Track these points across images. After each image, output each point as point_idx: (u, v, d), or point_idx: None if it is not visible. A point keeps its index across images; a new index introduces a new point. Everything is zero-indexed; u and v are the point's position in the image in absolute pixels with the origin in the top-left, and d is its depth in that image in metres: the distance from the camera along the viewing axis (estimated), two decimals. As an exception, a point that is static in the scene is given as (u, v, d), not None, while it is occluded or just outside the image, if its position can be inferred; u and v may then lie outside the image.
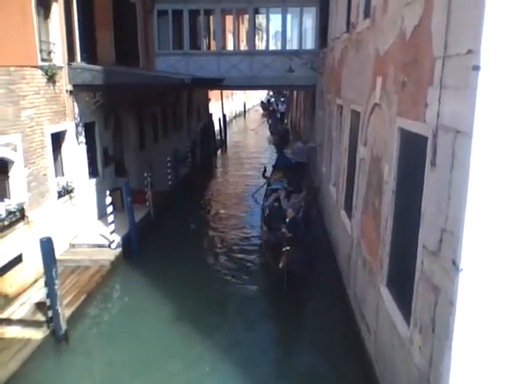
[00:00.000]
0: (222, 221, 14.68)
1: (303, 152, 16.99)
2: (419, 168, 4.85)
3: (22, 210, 8.97)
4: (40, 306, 8.30)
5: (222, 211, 15.76)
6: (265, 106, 50.99)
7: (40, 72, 9.76)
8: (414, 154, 5.24)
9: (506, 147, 3.62)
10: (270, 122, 35.65)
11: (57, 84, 10.41)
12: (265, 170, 16.20)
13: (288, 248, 8.95)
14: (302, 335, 8.32)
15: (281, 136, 28.97)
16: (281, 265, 8.93)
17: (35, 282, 9.30)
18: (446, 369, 4.08)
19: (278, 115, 39.09)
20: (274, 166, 17.26)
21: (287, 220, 10.05)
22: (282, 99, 45.92)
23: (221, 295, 9.57)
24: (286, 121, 38.10)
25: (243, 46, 28.85)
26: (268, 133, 33.35)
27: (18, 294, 8.86)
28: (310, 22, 18.63)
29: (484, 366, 4.04)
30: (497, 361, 4.03)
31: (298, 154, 17.00)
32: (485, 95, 3.54)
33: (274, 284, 9.61)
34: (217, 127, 29.10)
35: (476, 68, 3.53)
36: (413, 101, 5.23)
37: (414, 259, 4.96)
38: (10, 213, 8.63)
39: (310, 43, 18.32)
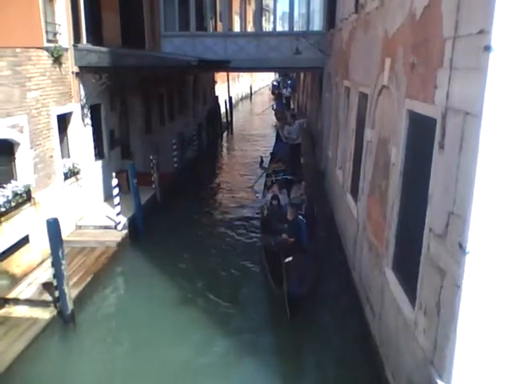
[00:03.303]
0: (227, 203, 14.70)
1: (294, 132, 15.91)
2: (427, 150, 4.80)
3: (28, 192, 9.00)
4: (47, 287, 8.38)
5: (227, 194, 15.76)
6: (275, 88, 48.36)
7: (46, 53, 9.72)
8: (422, 136, 5.18)
9: (515, 129, 3.58)
10: (274, 107, 34.48)
11: (63, 65, 10.36)
12: (261, 161, 15.38)
13: (290, 259, 7.95)
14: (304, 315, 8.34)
15: (290, 115, 27.14)
16: (284, 285, 7.39)
17: (42, 262, 9.38)
18: (450, 351, 4.09)
19: (284, 100, 37.29)
20: (271, 154, 16.45)
21: (288, 223, 9.09)
22: (289, 81, 45.14)
23: (226, 277, 9.63)
24: (292, 106, 37.10)
25: (250, 28, 28.57)
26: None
27: (25, 275, 8.95)
28: (317, 2, 18.37)
29: (489, 349, 4.05)
30: (502, 344, 4.04)
31: (291, 136, 16.00)
32: (496, 76, 3.48)
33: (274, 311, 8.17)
34: (223, 110, 28.93)
35: (487, 48, 3.47)
36: (422, 82, 5.16)
37: (420, 242, 4.94)
38: (16, 194, 8.66)
39: (317, 24, 18.08)
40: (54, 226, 7.65)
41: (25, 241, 9.02)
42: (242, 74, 43.67)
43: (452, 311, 4.04)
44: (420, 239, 4.93)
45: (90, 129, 11.65)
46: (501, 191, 3.69)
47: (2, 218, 8.34)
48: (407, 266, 5.56)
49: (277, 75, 54.07)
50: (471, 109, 3.77)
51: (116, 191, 10.95)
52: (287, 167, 14.09)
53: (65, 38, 10.44)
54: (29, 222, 9.08)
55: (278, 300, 7.77)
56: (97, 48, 11.14)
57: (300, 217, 9.25)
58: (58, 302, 7.93)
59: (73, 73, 10.78)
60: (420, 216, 4.95)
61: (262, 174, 15.11)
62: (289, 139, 15.65)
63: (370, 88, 8.05)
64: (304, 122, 16.78)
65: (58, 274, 7.74)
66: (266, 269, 8.98)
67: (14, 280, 8.66)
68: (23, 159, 9.04)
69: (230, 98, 30.24)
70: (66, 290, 7.84)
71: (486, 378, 4.11)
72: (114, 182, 10.95)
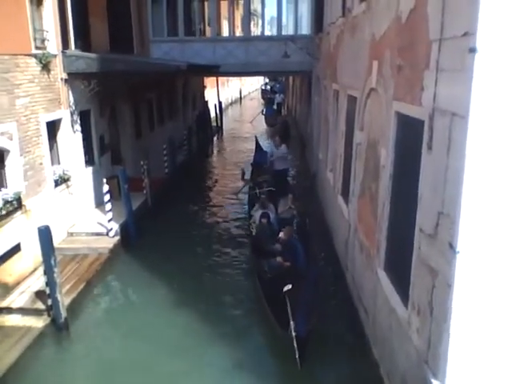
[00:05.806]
0: (218, 208, 14.69)
1: (280, 156, 14.04)
2: (416, 152, 4.86)
3: (19, 199, 8.95)
4: (40, 295, 8.32)
5: (217, 198, 15.76)
6: (265, 93, 46.78)
7: (34, 60, 9.67)
8: (410, 137, 5.25)
9: (501, 130, 3.63)
10: (264, 112, 33.11)
11: (51, 72, 10.32)
12: (243, 173, 14.66)
13: (289, 287, 6.93)
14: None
15: (280, 129, 23.74)
16: (291, 328, 6.13)
17: (34, 270, 9.31)
18: (443, 350, 4.13)
19: (275, 106, 36.44)
20: (252, 165, 15.73)
21: (281, 244, 8.42)
22: (278, 85, 45.02)
23: (214, 282, 9.63)
24: (283, 112, 36.34)
25: (238, 32, 28.64)
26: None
27: (18, 283, 8.88)
28: (305, 6, 18.51)
29: (482, 348, 4.09)
30: (495, 342, 4.08)
31: (280, 162, 14.10)
32: (481, 77, 3.54)
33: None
34: (212, 114, 28.95)
35: (472, 50, 3.53)
36: (409, 84, 5.22)
37: (411, 243, 5.00)
38: (6, 202, 8.61)
39: (305, 28, 18.24)
40: (45, 234, 7.61)
41: (16, 249, 8.96)
42: (231, 78, 43.66)
43: (444, 310, 4.09)
44: (411, 239, 4.99)
45: (79, 135, 11.60)
46: (489, 190, 3.74)
47: (-7, 227, 8.30)
48: (399, 267, 5.61)
49: (266, 79, 53.98)
50: (458, 110, 3.83)
51: (107, 197, 10.90)
52: (273, 182, 12.91)
53: (53, 45, 10.39)
54: (20, 229, 9.02)
55: (283, 341, 6.64)
56: (85, 54, 11.10)
57: (295, 236, 8.73)
58: (51, 310, 7.87)
59: (62, 79, 10.74)
60: (410, 217, 5.00)
61: (243, 187, 14.37)
62: (279, 164, 13.89)
63: (359, 91, 8.12)
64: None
65: (50, 282, 7.70)
66: (263, 302, 7.71)
67: (6, 289, 8.59)
68: (13, 166, 8.99)
69: (220, 103, 30.27)
70: (59, 298, 7.79)
71: (480, 376, 4.15)
72: (105, 188, 10.90)
